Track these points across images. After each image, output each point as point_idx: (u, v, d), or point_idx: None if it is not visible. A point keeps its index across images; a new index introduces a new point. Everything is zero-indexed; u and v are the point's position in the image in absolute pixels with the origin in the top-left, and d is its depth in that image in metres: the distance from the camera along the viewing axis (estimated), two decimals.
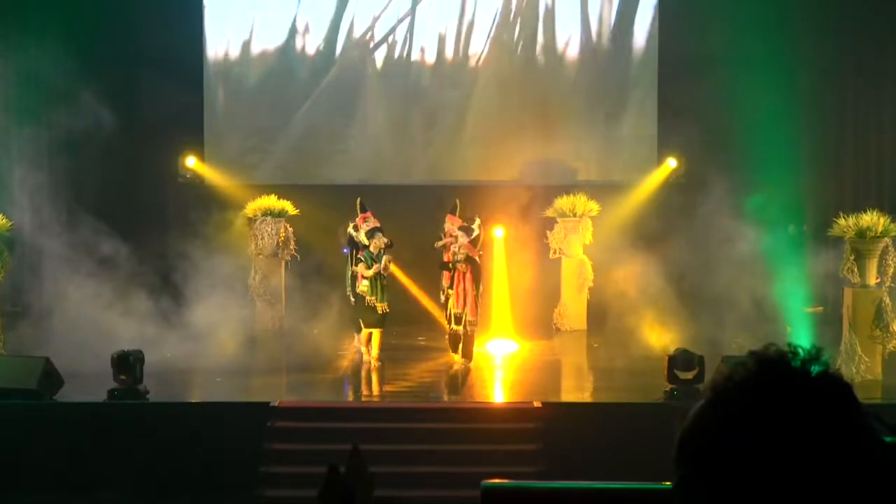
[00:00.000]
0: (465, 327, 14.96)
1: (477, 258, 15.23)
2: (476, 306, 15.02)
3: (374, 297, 14.99)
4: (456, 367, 15.15)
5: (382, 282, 15.09)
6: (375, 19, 19.63)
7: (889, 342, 14.03)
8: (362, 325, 15.23)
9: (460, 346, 15.12)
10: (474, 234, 15.44)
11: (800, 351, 1.57)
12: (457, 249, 15.06)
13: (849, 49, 18.96)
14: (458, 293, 14.94)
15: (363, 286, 15.09)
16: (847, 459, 1.49)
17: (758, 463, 1.50)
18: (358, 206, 16.30)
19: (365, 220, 15.94)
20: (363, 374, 15.51)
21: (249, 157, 19.73)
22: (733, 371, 1.58)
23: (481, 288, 15.39)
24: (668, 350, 13.67)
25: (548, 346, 17.21)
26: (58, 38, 17.86)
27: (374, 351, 15.24)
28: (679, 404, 12.32)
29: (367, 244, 15.14)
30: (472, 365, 15.17)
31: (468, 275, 14.93)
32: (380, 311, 15.01)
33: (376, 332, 15.18)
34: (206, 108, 19.62)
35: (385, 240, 15.17)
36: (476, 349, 15.58)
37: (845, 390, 1.55)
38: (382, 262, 14.96)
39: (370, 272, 14.97)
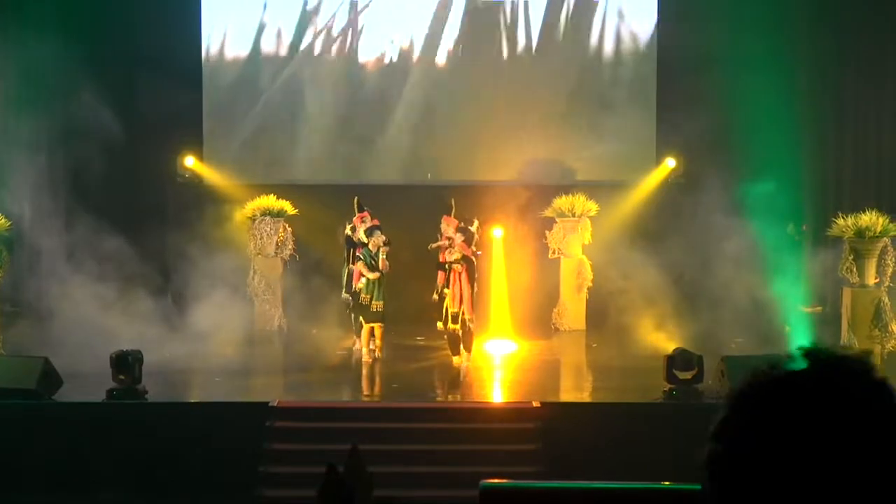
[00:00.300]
0: (462, 325, 15.01)
1: (472, 257, 15.29)
2: (472, 304, 15.11)
3: (368, 296, 15.15)
4: (457, 364, 15.17)
5: (380, 280, 15.20)
6: (375, 20, 19.62)
7: (888, 342, 14.04)
8: (363, 322, 15.35)
9: (460, 345, 15.14)
10: (471, 234, 15.59)
11: (848, 353, 1.56)
12: (452, 249, 15.16)
13: (848, 49, 18.94)
14: (454, 293, 14.99)
15: (360, 284, 15.22)
16: (888, 465, 1.49)
17: (795, 463, 1.49)
18: (355, 205, 16.43)
19: (362, 219, 16.06)
20: (362, 373, 15.52)
21: (248, 157, 19.71)
22: (774, 367, 1.56)
23: (476, 286, 15.46)
24: (666, 350, 13.67)
25: (547, 345, 17.20)
26: (56, 37, 17.81)
27: (378, 341, 15.37)
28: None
29: (366, 242, 15.28)
30: (471, 364, 15.20)
31: (464, 274, 14.98)
32: (374, 309, 15.16)
33: (377, 327, 15.33)
34: (204, 107, 19.60)
35: (383, 237, 15.24)
36: (475, 349, 15.75)
37: (889, 395, 1.55)
38: (380, 261, 15.07)
39: (373, 275, 15.07)
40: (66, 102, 18.27)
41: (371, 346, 15.44)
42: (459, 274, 14.95)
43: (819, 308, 17.64)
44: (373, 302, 15.15)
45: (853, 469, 1.48)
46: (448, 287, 15.05)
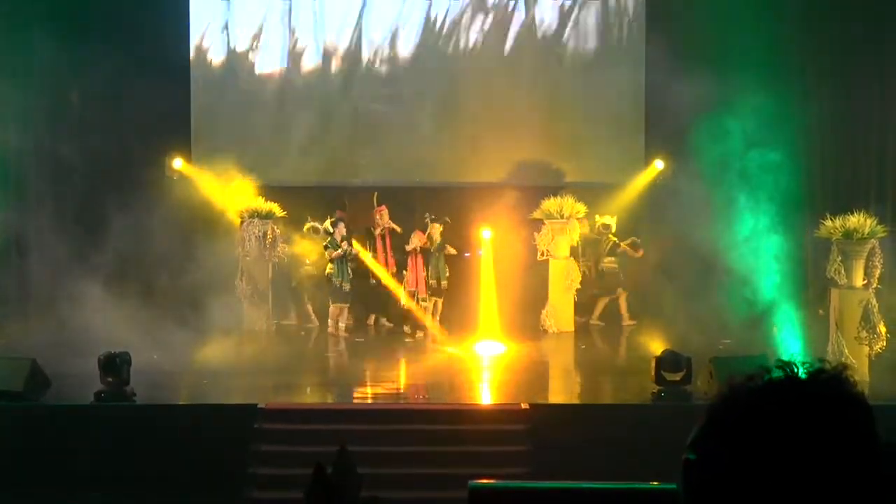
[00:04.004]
0: (418, 303, 17.48)
1: (430, 248, 17.49)
2: (426, 286, 17.49)
3: (339, 279, 17.17)
4: (416, 336, 17.26)
5: (348, 265, 17.21)
6: (360, 20, 19.62)
7: (875, 343, 14.03)
8: (330, 302, 17.35)
9: (414, 322, 17.42)
10: (424, 228, 17.65)
11: (824, 366, 1.57)
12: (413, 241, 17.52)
13: (840, 49, 18.93)
14: (412, 274, 17.49)
15: (330, 268, 17.24)
16: (850, 477, 1.49)
17: (765, 474, 1.49)
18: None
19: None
20: (350, 375, 15.52)
21: (236, 159, 19.61)
22: (750, 379, 1.57)
23: (448, 273, 17.57)
24: (655, 351, 13.67)
25: (535, 347, 17.19)
26: (45, 37, 17.76)
27: (343, 324, 17.40)
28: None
29: (332, 232, 17.29)
30: (434, 337, 16.88)
31: (419, 259, 17.46)
32: (343, 290, 17.27)
33: (344, 308, 17.40)
34: (192, 108, 19.54)
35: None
36: (462, 351, 16.15)
37: (863, 410, 1.55)
38: (339, 245, 17.13)
39: (335, 253, 17.14)
40: (54, 103, 18.21)
41: (341, 324, 17.37)
42: (416, 258, 17.38)
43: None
44: (343, 284, 17.18)
45: (822, 482, 1.48)
46: (407, 269, 17.53)
